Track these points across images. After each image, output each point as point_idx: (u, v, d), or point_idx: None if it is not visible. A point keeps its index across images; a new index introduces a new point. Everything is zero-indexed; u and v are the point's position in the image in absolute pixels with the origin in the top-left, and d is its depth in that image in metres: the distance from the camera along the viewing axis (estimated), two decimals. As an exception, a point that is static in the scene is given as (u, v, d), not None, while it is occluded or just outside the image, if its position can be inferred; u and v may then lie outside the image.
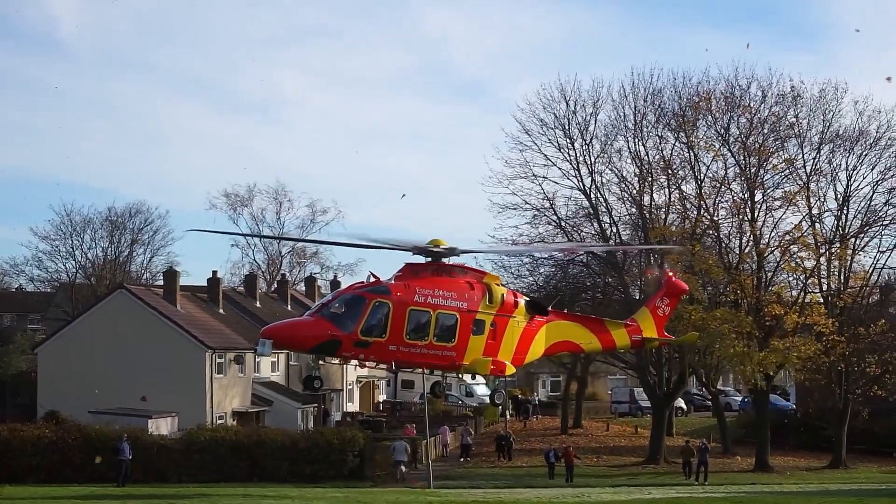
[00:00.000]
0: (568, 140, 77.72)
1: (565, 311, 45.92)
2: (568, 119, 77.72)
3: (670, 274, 48.91)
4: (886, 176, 74.87)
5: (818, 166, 74.58)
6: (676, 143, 76.38)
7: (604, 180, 78.34)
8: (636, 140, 77.26)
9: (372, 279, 37.40)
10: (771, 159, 74.34)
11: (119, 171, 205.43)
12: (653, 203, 77.45)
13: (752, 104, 75.02)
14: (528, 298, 42.03)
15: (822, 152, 74.64)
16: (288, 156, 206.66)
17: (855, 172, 75.01)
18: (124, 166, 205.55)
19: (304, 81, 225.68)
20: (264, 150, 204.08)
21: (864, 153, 74.68)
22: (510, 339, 39.62)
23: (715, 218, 74.91)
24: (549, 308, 43.04)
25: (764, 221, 74.50)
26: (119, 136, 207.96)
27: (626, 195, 78.38)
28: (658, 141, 77.08)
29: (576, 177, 77.73)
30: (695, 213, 75.10)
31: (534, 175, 78.04)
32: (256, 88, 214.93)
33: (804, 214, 74.15)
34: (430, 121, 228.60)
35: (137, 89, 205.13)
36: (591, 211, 78.51)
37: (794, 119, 74.64)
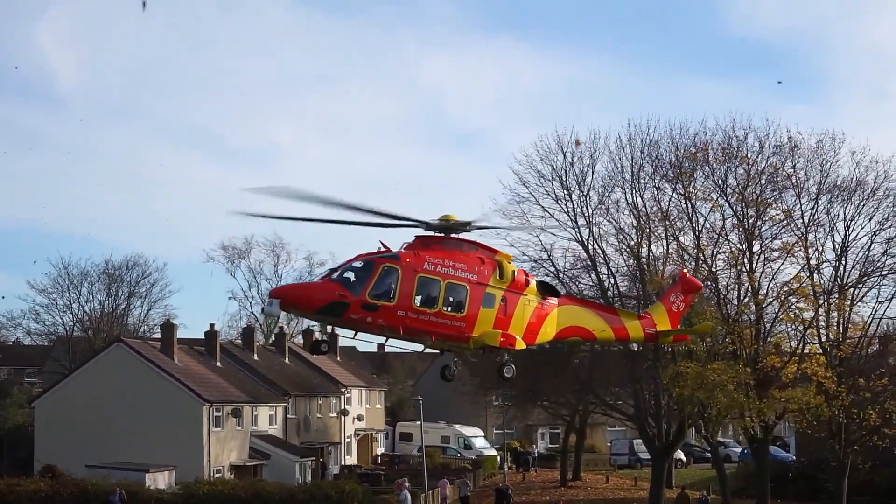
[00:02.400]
0: (565, 191, 77.82)
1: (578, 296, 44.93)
2: (565, 171, 77.83)
3: (685, 271, 48.69)
4: (884, 226, 74.77)
5: (816, 217, 74.56)
6: (674, 195, 76.45)
7: (601, 231, 78.40)
8: (633, 191, 77.37)
9: (382, 248, 36.73)
10: (769, 210, 74.36)
11: (117, 223, 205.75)
12: (651, 254, 77.47)
13: (749, 155, 75.08)
14: (539, 279, 41.12)
15: (819, 203, 74.62)
16: (285, 206, 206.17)
17: (853, 223, 74.92)
18: (122, 218, 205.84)
19: (301, 131, 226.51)
20: (262, 200, 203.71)
21: (862, 203, 74.62)
22: (520, 316, 38.79)
23: (713, 269, 74.85)
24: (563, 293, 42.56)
25: (762, 272, 74.43)
26: (117, 187, 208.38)
27: (624, 246, 78.40)
28: (655, 192, 77.17)
29: (573, 228, 77.79)
30: (693, 264, 75.00)
31: (532, 227, 78.06)
32: (253, 138, 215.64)
33: (802, 265, 74.03)
34: (426, 170, 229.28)
35: (134, 140, 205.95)
36: (589, 262, 78.50)
37: (792, 170, 74.64)
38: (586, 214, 77.70)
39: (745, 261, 73.95)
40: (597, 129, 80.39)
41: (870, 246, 74.93)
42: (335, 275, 35.79)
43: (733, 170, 75.22)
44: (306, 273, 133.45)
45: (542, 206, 77.80)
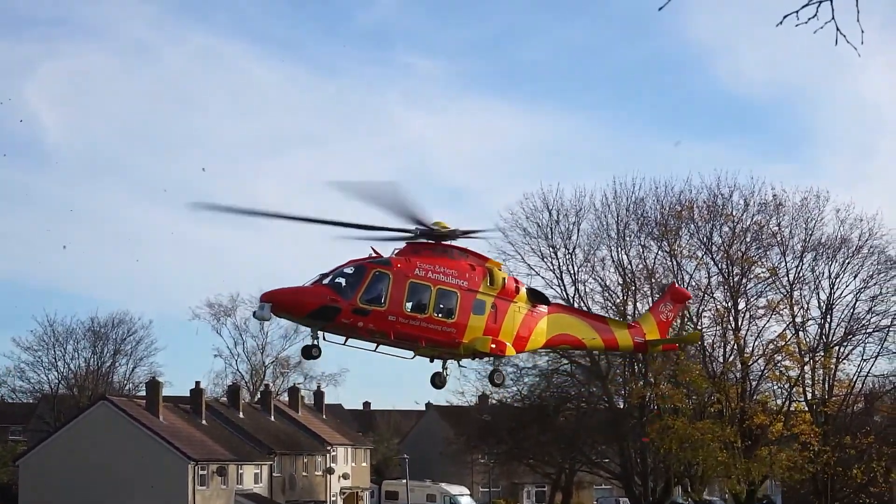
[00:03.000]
0: (551, 249, 78.17)
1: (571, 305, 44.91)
2: (551, 228, 78.24)
3: (674, 282, 48.72)
4: (869, 284, 75.18)
5: (801, 274, 74.95)
6: (659, 252, 76.81)
7: (587, 289, 78.69)
8: (619, 249, 77.76)
9: (373, 254, 36.93)
10: (754, 268, 74.71)
11: (103, 280, 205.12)
12: (636, 312, 77.49)
13: (734, 213, 75.55)
14: (529, 287, 41.30)
15: (804, 260, 75.08)
16: (270, 263, 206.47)
17: (838, 280, 75.35)
18: (108, 275, 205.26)
19: (287, 189, 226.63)
20: (247, 257, 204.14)
21: (847, 261, 75.05)
22: (511, 322, 38.82)
23: (699, 327, 74.94)
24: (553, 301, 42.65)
25: (748, 330, 74.61)
26: (103, 244, 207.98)
27: (610, 304, 78.56)
28: (641, 250, 77.54)
29: (559, 286, 78.03)
30: (678, 322, 75.12)
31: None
32: (239, 196, 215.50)
33: (788, 323, 74.29)
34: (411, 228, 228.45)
35: (120, 196, 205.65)
36: (575, 320, 78.53)
37: (777, 227, 75.17)
38: (572, 272, 78.06)
39: (731, 318, 74.13)
40: (582, 187, 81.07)
41: (855, 304, 75.33)
42: (326, 280, 35.89)
43: (718, 227, 75.69)
44: (293, 330, 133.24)
45: (528, 264, 78.12)
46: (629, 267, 77.35)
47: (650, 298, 76.75)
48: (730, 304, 74.48)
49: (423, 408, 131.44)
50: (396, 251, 37.29)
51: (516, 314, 38.92)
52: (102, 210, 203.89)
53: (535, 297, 40.38)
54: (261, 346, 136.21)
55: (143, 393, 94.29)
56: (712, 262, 75.21)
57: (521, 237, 78.27)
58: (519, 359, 79.35)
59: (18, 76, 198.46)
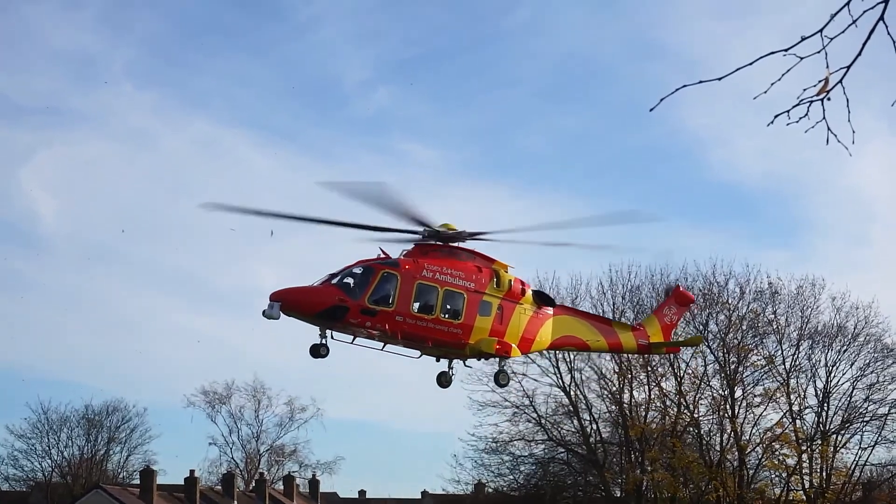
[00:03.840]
0: (547, 337, 77.91)
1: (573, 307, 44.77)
2: (547, 316, 78.01)
3: (678, 284, 48.59)
4: (866, 372, 75.12)
5: (797, 363, 74.91)
6: (655, 340, 76.57)
7: (583, 377, 78.46)
8: (615, 337, 77.46)
9: (382, 255, 37.51)
10: (750, 356, 74.65)
11: (98, 367, 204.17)
12: (633, 400, 77.36)
13: (730, 301, 75.69)
14: (535, 289, 41.48)
15: (801, 348, 75.07)
16: (265, 350, 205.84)
17: (834, 368, 75.30)
18: (102, 362, 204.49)
19: (283, 274, 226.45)
20: (242, 344, 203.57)
21: (843, 349, 75.07)
22: (517, 324, 39.39)
23: (695, 415, 74.75)
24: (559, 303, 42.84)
25: (745, 418, 74.44)
26: (98, 332, 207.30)
27: (606, 392, 78.31)
28: (637, 338, 77.27)
29: (555, 374, 77.84)
30: (675, 410, 74.92)
31: (513, 372, 77.94)
32: (235, 282, 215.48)
33: (785, 411, 74.14)
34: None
35: (115, 283, 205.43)
36: (571, 408, 78.32)
37: (773, 315, 75.26)
38: (568, 360, 77.77)
39: (728, 406, 73.94)
40: (578, 274, 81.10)
41: (851, 392, 75.21)
42: (335, 280, 36.32)
43: (715, 315, 75.73)
44: (287, 419, 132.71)
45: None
46: (625, 355, 77.14)
47: (646, 386, 76.68)
48: (726, 391, 74.34)
49: (419, 496, 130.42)
50: (405, 252, 37.90)
51: (522, 316, 39.52)
52: (97, 297, 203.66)
53: (541, 299, 40.99)
54: (256, 434, 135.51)
55: (138, 481, 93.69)
56: (709, 350, 75.16)
57: (518, 324, 78.18)
58: (515, 447, 79.01)
59: (14, 165, 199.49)
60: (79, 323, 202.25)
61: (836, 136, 11.17)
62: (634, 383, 77.11)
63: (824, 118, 11.05)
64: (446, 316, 37.31)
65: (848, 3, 10.41)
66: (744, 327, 75.03)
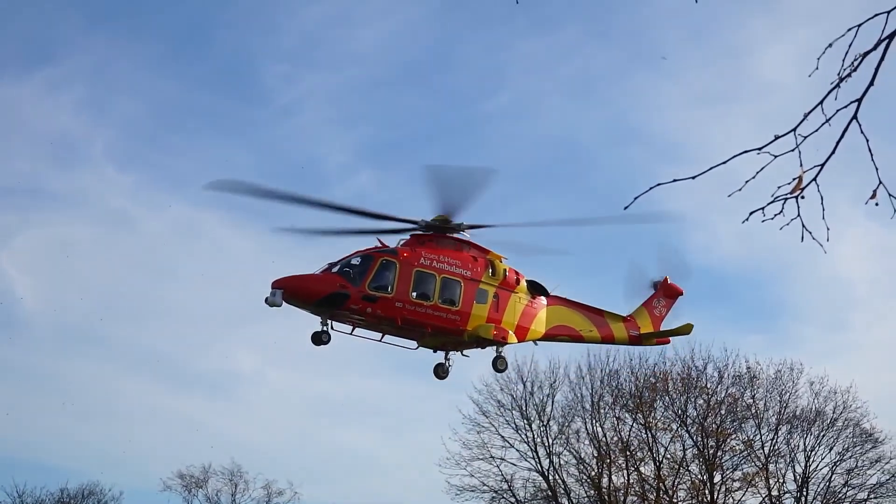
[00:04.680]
0: (525, 421, 77.71)
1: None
2: (525, 400, 77.92)
3: (666, 277, 48.63)
4: (845, 457, 74.91)
5: (776, 447, 74.68)
6: (634, 424, 76.50)
7: (562, 462, 78.00)
8: (594, 421, 77.33)
9: (379, 245, 38.27)
10: (729, 440, 74.44)
11: (73, 449, 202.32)
12: (611, 485, 76.89)
13: (708, 385, 75.62)
14: (529, 279, 41.78)
15: (779, 433, 74.88)
16: (243, 432, 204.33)
17: (813, 453, 75.05)
18: (79, 444, 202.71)
19: (262, 358, 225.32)
20: (220, 427, 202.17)
21: (822, 434, 74.91)
22: (512, 312, 40.21)
23: (674, 500, 74.35)
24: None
25: (724, 503, 73.93)
26: (74, 414, 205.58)
27: (585, 477, 77.86)
28: (616, 422, 77.18)
29: (534, 458, 77.40)
30: (654, 494, 74.53)
31: (491, 456, 77.62)
32: (213, 365, 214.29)
33: (764, 496, 73.75)
34: (387, 396, 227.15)
35: (92, 366, 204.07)
36: (550, 493, 77.79)
37: (751, 400, 75.16)
38: (547, 444, 77.47)
39: (707, 491, 73.56)
40: (557, 359, 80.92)
41: (831, 477, 74.93)
42: (336, 268, 37.12)
43: (693, 400, 75.55)
44: (264, 502, 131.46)
45: (503, 436, 77.62)
46: (604, 439, 76.93)
47: (625, 471, 76.29)
48: (705, 476, 74.01)
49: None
50: (402, 242, 38.69)
51: (517, 304, 40.46)
52: (75, 379, 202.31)
53: (535, 289, 41.63)
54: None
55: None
56: (687, 435, 74.96)
57: (496, 409, 78.05)
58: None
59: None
60: (55, 405, 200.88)
61: (811, 233, 11.19)
62: (613, 468, 76.74)
63: (799, 216, 11.06)
64: (444, 303, 38.07)
65: (821, 103, 10.45)
66: (722, 412, 74.91)
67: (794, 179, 10.91)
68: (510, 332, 39.87)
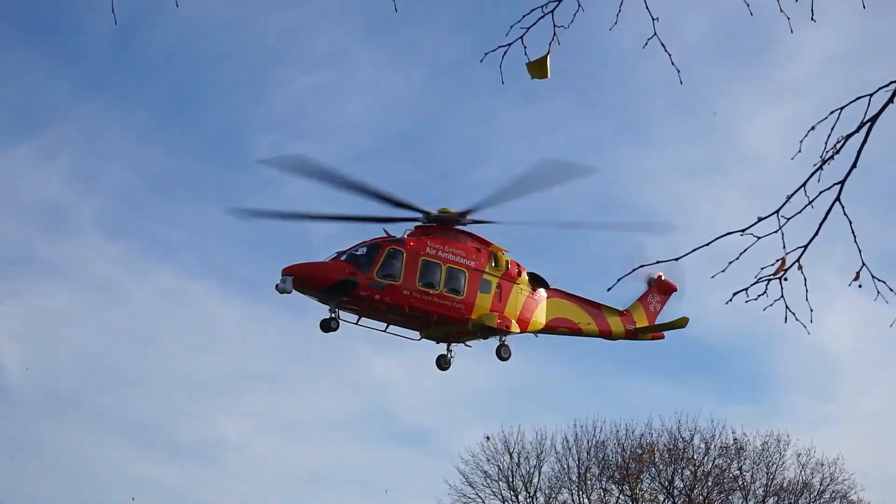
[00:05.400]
0: (512, 492, 77.32)
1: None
2: (512, 471, 77.52)
3: (660, 274, 48.72)
4: (832, 529, 74.60)
5: (764, 519, 74.34)
6: (621, 496, 76.12)
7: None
8: (580, 492, 76.92)
9: (386, 235, 38.92)
10: (716, 512, 74.08)
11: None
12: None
13: (695, 456, 75.32)
14: (530, 271, 42.38)
15: (766, 505, 74.53)
16: (229, 502, 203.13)
17: (800, 526, 74.71)
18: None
19: (248, 427, 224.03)
20: (204, 496, 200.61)
21: (809, 506, 74.62)
22: (514, 302, 40.83)
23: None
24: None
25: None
26: (60, 481, 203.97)
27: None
28: (602, 493, 76.78)
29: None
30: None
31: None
32: (200, 434, 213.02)
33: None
34: (372, 466, 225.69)
35: (79, 434, 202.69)
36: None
37: (738, 471, 74.84)
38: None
39: (694, 564, 73.19)
40: (543, 429, 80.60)
41: (818, 549, 74.56)
42: (344, 256, 37.77)
43: (680, 471, 75.29)
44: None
45: (489, 508, 77.16)
46: (590, 511, 76.51)
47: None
48: (693, 549, 73.62)
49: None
50: (407, 232, 39.35)
51: (519, 295, 41.08)
52: (60, 447, 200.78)
53: (536, 281, 42.30)
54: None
55: None
56: (674, 507, 74.58)
57: (482, 479, 77.67)
58: None
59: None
60: (41, 472, 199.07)
61: (794, 314, 11.14)
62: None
63: (782, 297, 11.03)
64: (449, 292, 38.71)
65: (804, 185, 10.45)
66: (709, 483, 74.57)
67: (777, 261, 10.89)
68: (513, 321, 40.53)
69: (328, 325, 37.94)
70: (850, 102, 10.26)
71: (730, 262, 10.93)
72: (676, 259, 10.96)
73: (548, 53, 10.87)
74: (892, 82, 10.14)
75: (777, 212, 10.58)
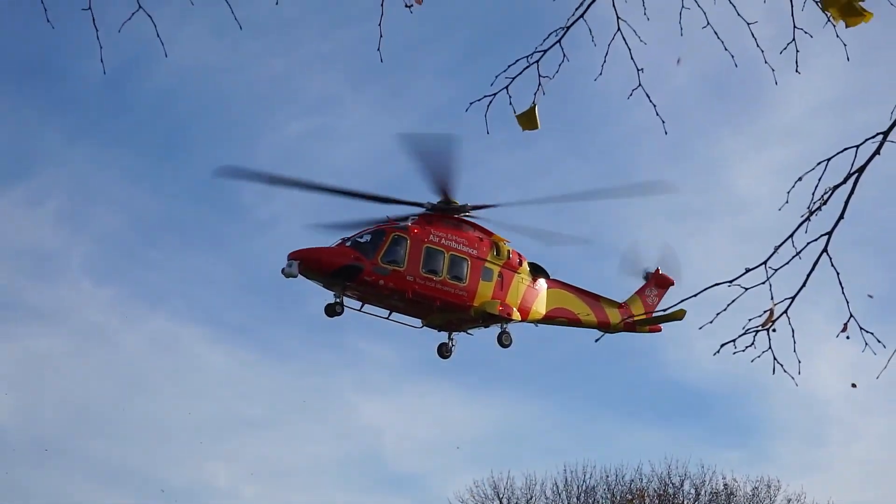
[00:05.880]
0: (502, 538, 77.02)
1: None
2: (502, 517, 77.25)
3: (658, 268, 48.80)
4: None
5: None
6: (611, 542, 75.82)
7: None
8: (570, 538, 76.68)
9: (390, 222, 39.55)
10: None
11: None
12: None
13: (685, 502, 75.01)
14: (531, 262, 43.06)
15: (757, 551, 74.34)
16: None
17: (791, 572, 74.55)
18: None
19: (237, 472, 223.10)
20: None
21: (800, 553, 74.48)
22: (516, 291, 41.38)
23: None
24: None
25: None
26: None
27: None
28: (592, 539, 76.53)
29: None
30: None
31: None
32: (188, 479, 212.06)
33: None
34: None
35: (66, 479, 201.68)
36: None
37: (729, 517, 74.63)
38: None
39: None
40: (533, 475, 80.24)
41: None
42: (349, 242, 38.40)
43: (670, 517, 74.98)
44: None
45: (479, 555, 76.89)
46: (581, 557, 76.25)
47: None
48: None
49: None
50: (412, 220, 39.78)
51: (520, 284, 41.75)
52: (47, 493, 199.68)
53: (536, 271, 42.96)
54: None
55: None
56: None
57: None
58: None
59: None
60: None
61: (782, 365, 11.11)
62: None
63: (770, 348, 10.98)
64: (452, 279, 39.32)
65: (791, 237, 10.42)
66: (700, 529, 74.39)
67: (765, 312, 10.85)
68: (514, 308, 41.09)
69: (333, 310, 38.52)
70: (837, 154, 10.26)
71: (717, 314, 10.89)
72: (665, 310, 10.94)
73: (535, 105, 10.85)
74: (878, 134, 10.14)
75: (765, 262, 10.55)
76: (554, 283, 44.03)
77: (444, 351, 42.16)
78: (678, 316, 58.93)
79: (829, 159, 10.25)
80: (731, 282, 10.62)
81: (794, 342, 10.92)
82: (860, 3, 9.41)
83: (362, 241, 38.55)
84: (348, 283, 38.05)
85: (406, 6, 10.43)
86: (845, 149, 10.26)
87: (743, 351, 11.03)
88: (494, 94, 10.92)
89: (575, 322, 44.86)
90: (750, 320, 10.87)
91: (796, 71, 10.86)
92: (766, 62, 11.22)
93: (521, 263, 41.89)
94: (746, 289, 10.68)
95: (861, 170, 10.23)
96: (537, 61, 10.90)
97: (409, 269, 38.38)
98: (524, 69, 10.86)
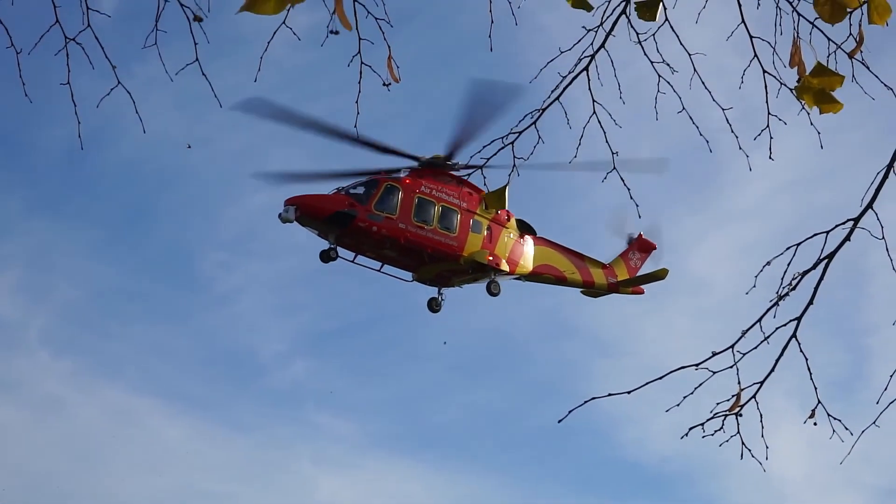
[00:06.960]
0: None
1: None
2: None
3: (640, 233, 49.68)
4: None
5: None
6: None
7: None
8: None
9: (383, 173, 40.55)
10: None
11: None
12: None
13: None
14: (518, 218, 44.00)
15: None
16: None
17: None
18: None
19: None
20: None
21: None
22: (503, 245, 42.32)
23: None
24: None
25: None
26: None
27: None
28: None
29: None
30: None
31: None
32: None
33: None
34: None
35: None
36: None
37: None
38: None
39: None
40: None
41: None
42: (344, 191, 39.37)
43: None
44: None
45: None
46: None
47: None
48: None
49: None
50: (404, 172, 40.99)
51: (508, 239, 42.75)
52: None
53: (523, 228, 43.82)
54: None
55: None
56: None
57: None
58: None
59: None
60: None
61: (750, 450, 10.98)
62: None
63: (738, 432, 10.87)
64: (443, 229, 40.34)
65: (759, 321, 10.37)
66: None
67: (732, 396, 10.76)
68: (503, 259, 41.98)
69: (328, 256, 39.43)
70: (807, 239, 10.22)
71: (685, 397, 10.76)
72: (629, 392, 10.82)
73: (506, 185, 10.84)
74: (848, 220, 10.13)
75: (732, 347, 10.47)
76: (540, 240, 44.86)
77: (433, 305, 43.19)
78: (661, 275, 59.72)
79: (798, 244, 10.19)
80: (697, 365, 10.51)
81: (763, 427, 10.85)
82: (832, 92, 9.47)
83: (356, 189, 39.56)
84: (342, 230, 38.90)
85: (384, 84, 10.37)
86: (814, 234, 10.22)
87: (712, 435, 10.91)
88: (469, 174, 10.95)
89: (561, 280, 45.68)
90: (718, 404, 10.74)
91: (770, 158, 10.83)
92: (740, 147, 11.20)
93: (508, 219, 42.89)
94: (714, 372, 10.60)
95: (831, 256, 10.19)
96: (512, 143, 10.90)
97: (401, 216, 39.44)
98: (499, 150, 10.87)
